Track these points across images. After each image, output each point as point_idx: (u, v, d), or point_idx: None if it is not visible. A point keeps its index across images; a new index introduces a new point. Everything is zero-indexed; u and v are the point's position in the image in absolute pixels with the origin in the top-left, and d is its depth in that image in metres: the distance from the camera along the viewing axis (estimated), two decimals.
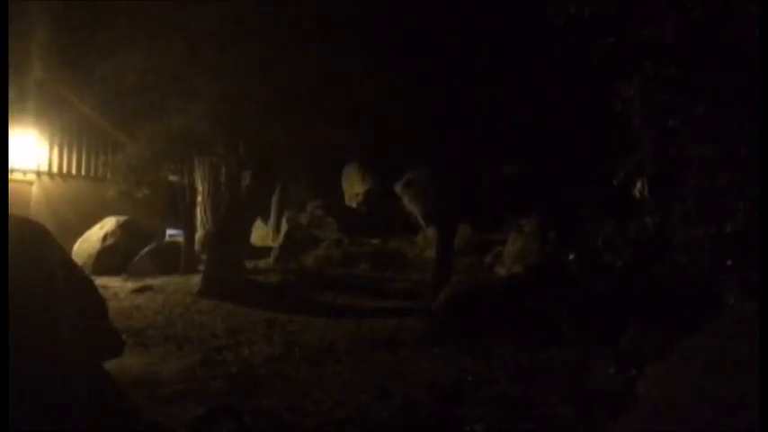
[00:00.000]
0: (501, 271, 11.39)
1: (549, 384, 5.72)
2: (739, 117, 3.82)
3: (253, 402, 5.22)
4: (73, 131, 16.42)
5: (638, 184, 4.46)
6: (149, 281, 12.01)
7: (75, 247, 13.70)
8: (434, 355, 7.06)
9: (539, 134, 10.36)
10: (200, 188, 14.59)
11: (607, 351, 5.98)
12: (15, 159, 15.35)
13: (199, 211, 14.74)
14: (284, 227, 16.15)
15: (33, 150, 15.67)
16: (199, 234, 14.39)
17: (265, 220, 17.99)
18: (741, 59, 3.81)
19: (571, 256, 6.12)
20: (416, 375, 6.16)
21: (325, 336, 8.12)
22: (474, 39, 8.97)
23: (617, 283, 6.99)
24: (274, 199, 17.40)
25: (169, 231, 16.11)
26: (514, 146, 11.21)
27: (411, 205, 15.08)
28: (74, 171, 16.50)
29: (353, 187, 17.73)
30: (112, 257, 13.57)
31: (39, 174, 15.87)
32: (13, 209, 5.32)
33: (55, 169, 16.19)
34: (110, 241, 13.90)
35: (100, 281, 9.89)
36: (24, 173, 15.66)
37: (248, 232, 14.24)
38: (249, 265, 13.10)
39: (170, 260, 13.36)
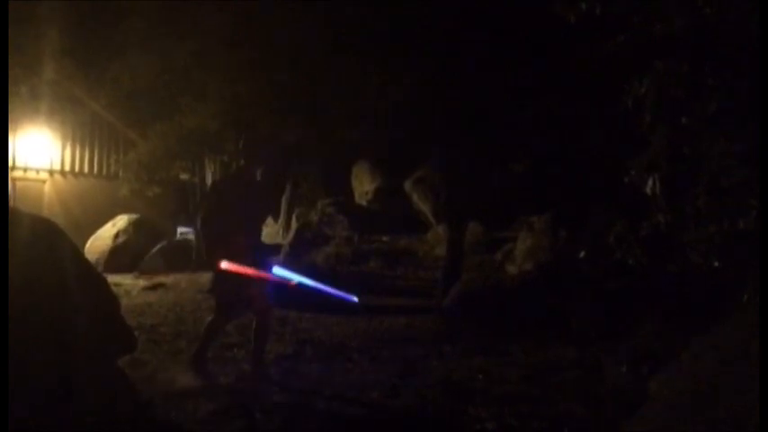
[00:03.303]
0: (511, 269, 11.33)
1: (561, 383, 5.70)
2: (753, 114, 3.78)
3: (264, 400, 5.23)
4: (85, 130, 16.54)
5: (650, 182, 4.42)
6: (161, 278, 12.08)
7: (88, 244, 13.82)
8: (445, 353, 7.04)
9: (550, 132, 10.31)
10: None
11: (619, 349, 5.94)
12: (28, 158, 15.50)
13: None
14: (294, 224, 16.15)
15: (46, 149, 15.81)
16: None
17: (276, 217, 18.03)
18: (754, 56, 3.78)
19: (582, 254, 6.08)
20: (427, 373, 6.15)
21: (335, 333, 8.12)
22: (486, 38, 8.95)
23: (629, 282, 6.95)
24: (285, 197, 17.44)
25: (180, 229, 16.20)
26: (525, 143, 11.15)
27: (421, 203, 15.02)
28: (86, 169, 16.63)
29: (363, 185, 17.70)
30: (124, 255, 13.68)
31: (51, 172, 16.01)
32: (26, 207, 5.37)
33: (67, 168, 16.33)
34: (121, 239, 14.01)
35: (112, 278, 9.94)
36: (37, 171, 15.80)
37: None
38: None
39: (181, 258, 13.45)
